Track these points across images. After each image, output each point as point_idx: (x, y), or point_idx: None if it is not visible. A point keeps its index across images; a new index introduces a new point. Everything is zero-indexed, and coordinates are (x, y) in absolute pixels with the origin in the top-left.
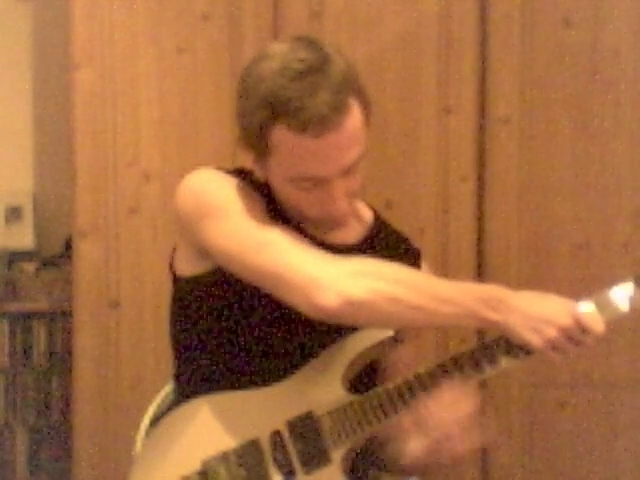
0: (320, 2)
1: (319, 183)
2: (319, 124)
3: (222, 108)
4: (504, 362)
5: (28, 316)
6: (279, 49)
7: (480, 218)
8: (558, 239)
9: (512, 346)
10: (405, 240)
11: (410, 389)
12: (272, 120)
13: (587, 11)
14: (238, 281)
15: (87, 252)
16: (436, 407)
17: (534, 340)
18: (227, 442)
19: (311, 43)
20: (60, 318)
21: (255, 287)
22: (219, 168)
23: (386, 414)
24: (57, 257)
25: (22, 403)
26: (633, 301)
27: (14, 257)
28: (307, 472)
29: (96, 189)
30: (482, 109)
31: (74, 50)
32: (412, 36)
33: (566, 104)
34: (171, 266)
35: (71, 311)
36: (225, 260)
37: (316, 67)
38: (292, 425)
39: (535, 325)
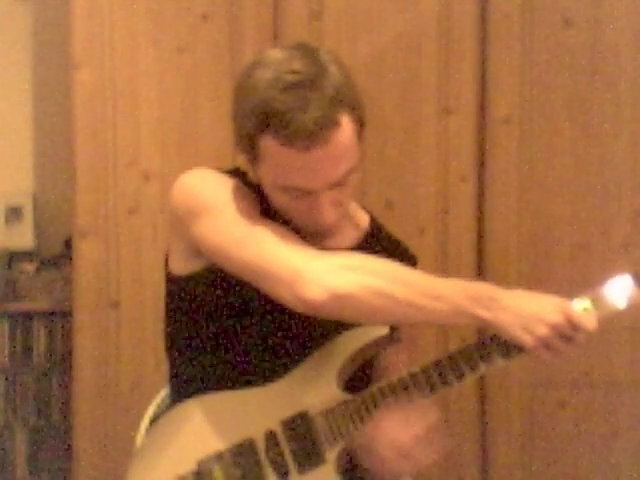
0: (320, 2)
1: (306, 194)
2: (306, 139)
3: (222, 108)
4: (499, 360)
5: (28, 316)
6: (275, 57)
7: (480, 218)
8: (558, 239)
9: (506, 345)
10: (401, 245)
11: (405, 388)
12: (261, 129)
13: (587, 11)
14: (232, 279)
15: (87, 252)
16: (389, 424)
17: (525, 338)
18: (222, 442)
19: (308, 53)
20: (60, 318)
21: (249, 285)
22: (215, 168)
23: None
24: (57, 257)
25: (22, 403)
26: (630, 298)
27: (14, 257)
28: (301, 472)
29: (96, 189)
30: (482, 109)
31: (74, 50)
32: (412, 36)
33: (566, 104)
34: (166, 265)
35: (71, 311)
36: (216, 256)
37: (309, 80)
38: (287, 425)
39: (526, 323)
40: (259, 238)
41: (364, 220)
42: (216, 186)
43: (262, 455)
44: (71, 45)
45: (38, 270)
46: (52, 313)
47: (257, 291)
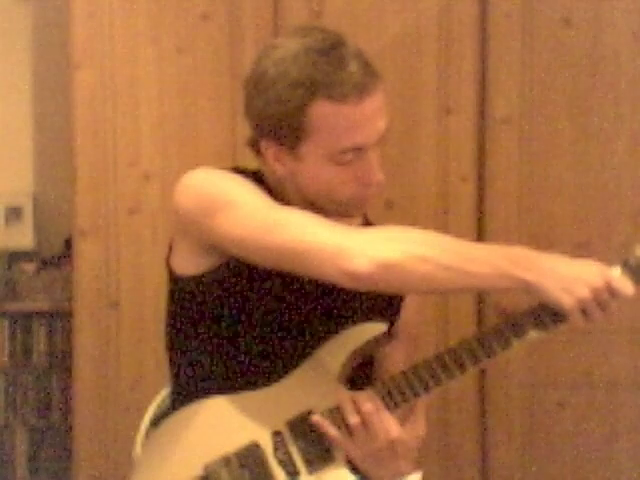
0: (320, 2)
1: (358, 155)
2: (358, 91)
3: (222, 108)
4: (532, 333)
5: (28, 316)
6: (289, 37)
7: (480, 218)
8: (558, 239)
9: (541, 318)
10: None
11: (409, 383)
12: (310, 97)
13: (587, 11)
14: (241, 278)
15: (87, 252)
16: (383, 420)
17: (566, 300)
18: (228, 445)
19: (316, 27)
20: (60, 318)
21: (254, 285)
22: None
23: (387, 409)
24: (57, 257)
25: (22, 403)
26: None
27: (14, 257)
28: (311, 471)
29: (96, 189)
30: (482, 109)
31: (74, 50)
32: (412, 36)
33: (566, 104)
34: (169, 266)
35: (71, 311)
36: (242, 248)
37: (336, 42)
38: (293, 425)
39: (567, 285)
40: (290, 221)
41: (357, 220)
42: (225, 180)
43: (270, 457)
44: (71, 45)
45: (38, 270)
46: (52, 313)
47: (261, 291)
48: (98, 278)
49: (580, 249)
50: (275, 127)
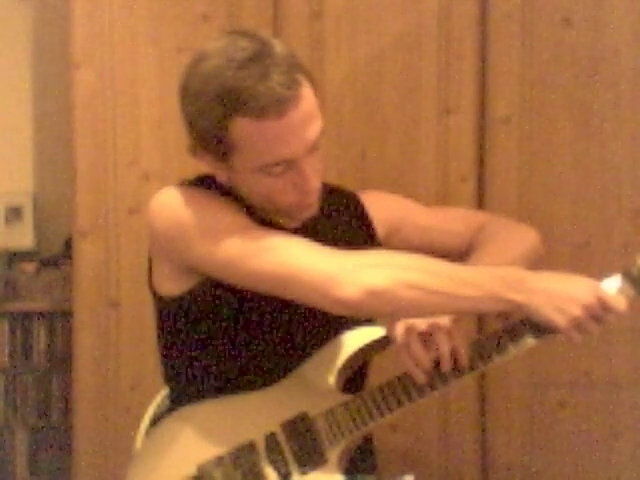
0: (320, 2)
1: (288, 166)
2: (277, 106)
3: None
4: (530, 341)
5: (28, 316)
6: (216, 46)
7: None
8: (558, 239)
9: (536, 327)
10: (340, 193)
11: (404, 388)
12: (229, 114)
13: (587, 11)
14: (229, 289)
15: (87, 252)
16: None
17: (559, 320)
18: (222, 446)
19: (246, 33)
20: (60, 318)
21: (245, 292)
22: (181, 182)
23: (382, 413)
24: (57, 257)
25: (22, 403)
26: (622, 294)
27: (14, 257)
28: (303, 473)
29: (96, 189)
30: (482, 109)
31: (74, 50)
32: (412, 36)
33: (566, 104)
34: (151, 286)
35: (71, 311)
36: (226, 272)
37: (260, 51)
38: (287, 426)
39: (559, 304)
40: (276, 246)
41: None
42: (201, 203)
43: (262, 457)
44: (71, 45)
45: (38, 270)
46: (52, 313)
47: (253, 297)
48: (98, 278)
49: (580, 249)
50: (203, 140)
